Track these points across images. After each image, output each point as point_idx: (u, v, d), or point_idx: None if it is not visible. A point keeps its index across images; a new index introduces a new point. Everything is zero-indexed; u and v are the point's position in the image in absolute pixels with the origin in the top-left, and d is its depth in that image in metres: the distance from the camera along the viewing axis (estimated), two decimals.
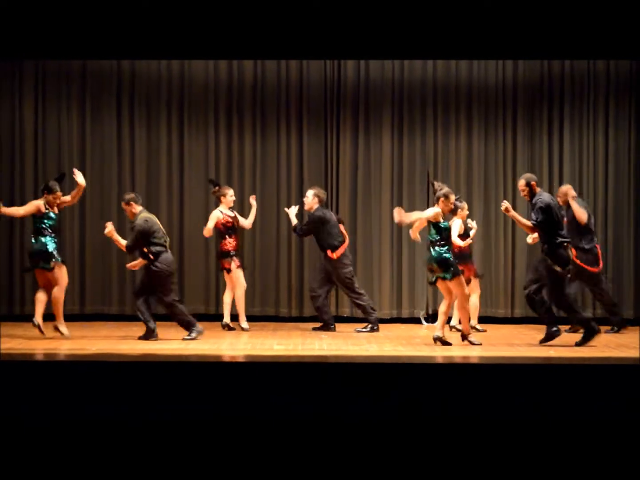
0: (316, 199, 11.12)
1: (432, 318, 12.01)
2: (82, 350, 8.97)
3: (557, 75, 12.32)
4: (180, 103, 12.30)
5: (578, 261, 10.54)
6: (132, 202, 10.07)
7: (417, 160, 12.36)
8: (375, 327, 11.04)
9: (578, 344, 9.56)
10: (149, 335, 9.89)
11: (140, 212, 10.05)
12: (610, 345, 9.87)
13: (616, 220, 12.27)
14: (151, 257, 9.86)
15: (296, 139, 12.34)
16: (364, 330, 11.05)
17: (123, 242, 10.04)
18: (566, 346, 9.62)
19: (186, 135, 12.32)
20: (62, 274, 10.09)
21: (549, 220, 9.50)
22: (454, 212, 10.69)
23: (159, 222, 10.18)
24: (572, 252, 10.05)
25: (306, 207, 11.20)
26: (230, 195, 11.14)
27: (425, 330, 11.40)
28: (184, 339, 9.84)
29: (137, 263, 10.14)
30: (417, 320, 11.87)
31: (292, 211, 11.22)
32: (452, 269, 9.43)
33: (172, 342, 9.83)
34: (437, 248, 9.50)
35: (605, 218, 12.28)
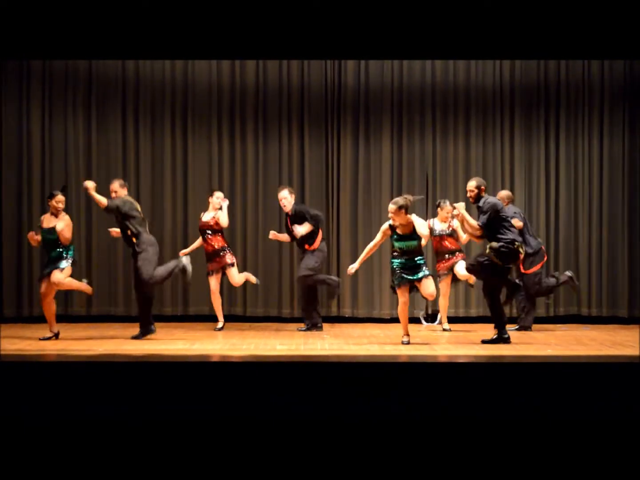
0: (294, 196, 11.20)
1: (431, 318, 12.14)
2: (89, 351, 9.03)
3: (553, 79, 12.43)
4: (184, 107, 12.41)
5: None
6: (120, 187, 10.18)
7: (416, 163, 12.46)
8: (312, 327, 11.09)
9: (485, 342, 9.72)
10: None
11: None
12: (606, 344, 9.97)
13: (611, 223, 12.39)
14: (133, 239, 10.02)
15: (297, 142, 12.44)
16: (303, 329, 11.11)
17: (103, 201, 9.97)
18: (563, 345, 9.76)
19: (190, 139, 12.42)
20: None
21: (499, 220, 9.69)
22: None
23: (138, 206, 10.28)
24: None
25: (288, 208, 11.13)
26: (216, 197, 11.27)
27: (425, 330, 11.49)
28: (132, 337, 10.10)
29: None
30: (417, 320, 11.94)
31: (273, 233, 11.27)
32: (394, 279, 9.69)
33: (176, 343, 9.93)
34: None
35: (600, 220, 12.39)
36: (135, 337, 10.08)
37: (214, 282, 11.29)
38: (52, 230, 10.05)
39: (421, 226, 9.61)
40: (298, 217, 11.06)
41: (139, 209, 10.15)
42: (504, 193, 11.27)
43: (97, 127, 12.30)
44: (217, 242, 11.20)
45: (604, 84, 12.42)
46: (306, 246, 11.07)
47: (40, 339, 10.02)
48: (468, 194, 9.88)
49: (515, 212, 10.98)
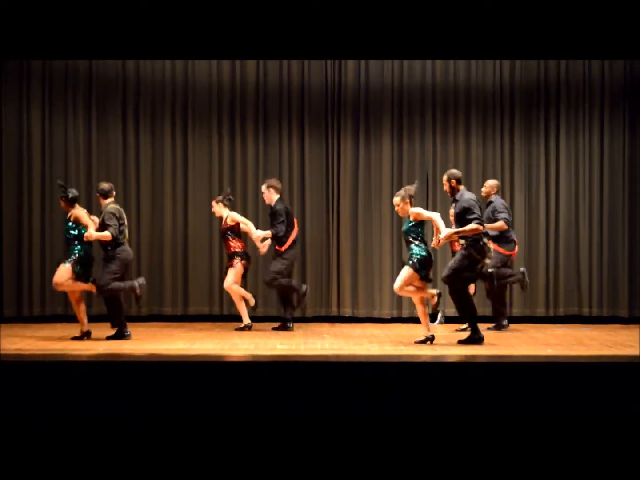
0: (273, 190, 11.17)
1: (431, 318, 12.10)
2: (89, 351, 9.05)
3: (553, 79, 12.42)
4: (184, 107, 12.40)
5: (500, 249, 10.97)
6: (112, 194, 10.18)
7: (416, 163, 12.45)
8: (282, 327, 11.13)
9: (461, 342, 9.71)
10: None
11: (111, 203, 10.15)
12: (606, 344, 9.97)
13: (611, 222, 12.38)
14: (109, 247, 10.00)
15: (298, 142, 12.44)
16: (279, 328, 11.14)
17: (106, 233, 9.94)
18: (563, 345, 9.77)
19: (190, 139, 12.42)
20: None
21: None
22: None
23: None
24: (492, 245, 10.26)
25: (267, 202, 11.21)
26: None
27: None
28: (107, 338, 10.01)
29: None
30: (417, 320, 11.89)
31: (259, 234, 11.20)
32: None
33: (176, 343, 9.93)
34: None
35: (601, 219, 12.39)
36: (110, 338, 10.03)
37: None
38: None
39: (417, 213, 9.61)
40: (273, 214, 11.12)
41: (124, 217, 10.16)
42: (493, 182, 11.31)
43: (97, 127, 12.30)
44: (230, 245, 11.20)
45: (604, 84, 12.41)
46: (276, 247, 11.11)
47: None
48: (444, 188, 9.95)
49: (503, 205, 11.05)
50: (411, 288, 9.75)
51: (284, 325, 11.23)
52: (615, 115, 12.39)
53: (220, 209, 11.22)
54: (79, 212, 10.04)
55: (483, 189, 11.29)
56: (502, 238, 11.08)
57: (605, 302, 12.34)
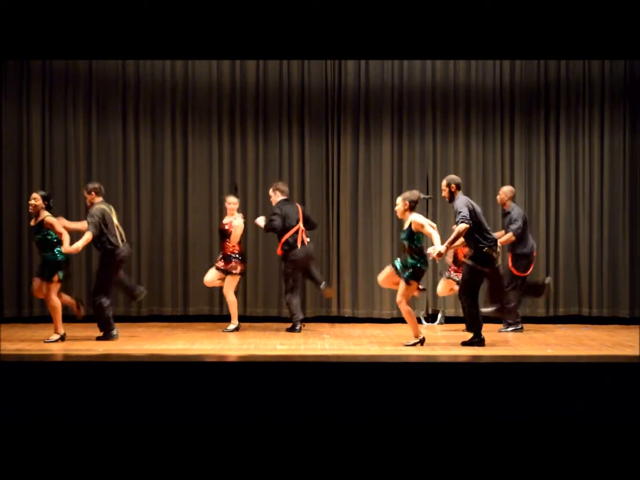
0: (278, 193, 11.27)
1: (431, 318, 12.14)
2: (89, 351, 9.05)
3: (553, 79, 12.42)
4: (184, 107, 12.40)
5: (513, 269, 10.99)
6: (93, 192, 10.16)
7: (416, 163, 12.45)
8: (297, 328, 11.09)
9: (465, 344, 9.67)
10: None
11: (99, 203, 10.12)
12: (607, 344, 9.97)
13: (611, 222, 12.37)
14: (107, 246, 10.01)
15: (298, 142, 12.44)
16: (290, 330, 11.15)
17: (86, 236, 9.88)
18: (563, 345, 9.78)
19: (190, 139, 12.42)
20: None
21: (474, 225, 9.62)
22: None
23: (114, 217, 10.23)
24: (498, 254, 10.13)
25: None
26: (227, 202, 11.29)
27: (425, 330, 11.47)
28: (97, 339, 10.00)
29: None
30: (417, 321, 11.94)
31: (261, 221, 11.24)
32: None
33: (176, 343, 9.93)
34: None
35: (601, 219, 12.38)
36: (100, 338, 10.03)
37: (211, 275, 11.24)
38: None
39: (420, 225, 9.55)
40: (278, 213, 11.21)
41: (113, 217, 10.13)
42: (507, 188, 11.25)
43: (97, 127, 12.30)
44: (226, 247, 11.17)
45: (604, 84, 12.41)
46: (278, 250, 11.21)
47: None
48: (443, 194, 9.90)
49: (518, 215, 10.98)
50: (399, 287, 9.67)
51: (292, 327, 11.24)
52: (615, 115, 12.39)
53: (235, 211, 11.22)
54: (51, 218, 9.95)
55: (498, 196, 11.25)
56: (515, 257, 11.03)
57: (605, 302, 12.33)
